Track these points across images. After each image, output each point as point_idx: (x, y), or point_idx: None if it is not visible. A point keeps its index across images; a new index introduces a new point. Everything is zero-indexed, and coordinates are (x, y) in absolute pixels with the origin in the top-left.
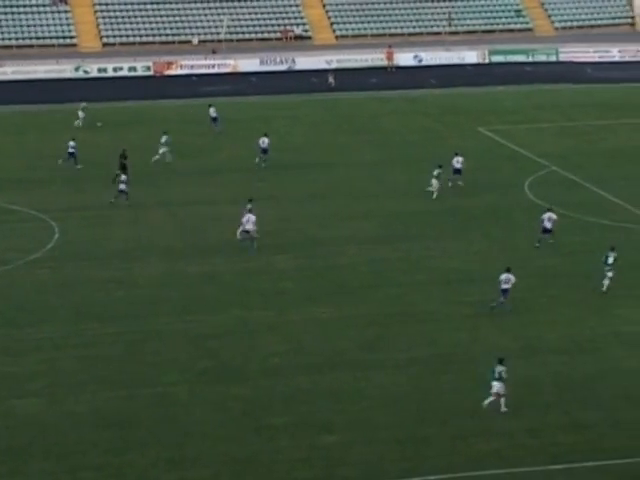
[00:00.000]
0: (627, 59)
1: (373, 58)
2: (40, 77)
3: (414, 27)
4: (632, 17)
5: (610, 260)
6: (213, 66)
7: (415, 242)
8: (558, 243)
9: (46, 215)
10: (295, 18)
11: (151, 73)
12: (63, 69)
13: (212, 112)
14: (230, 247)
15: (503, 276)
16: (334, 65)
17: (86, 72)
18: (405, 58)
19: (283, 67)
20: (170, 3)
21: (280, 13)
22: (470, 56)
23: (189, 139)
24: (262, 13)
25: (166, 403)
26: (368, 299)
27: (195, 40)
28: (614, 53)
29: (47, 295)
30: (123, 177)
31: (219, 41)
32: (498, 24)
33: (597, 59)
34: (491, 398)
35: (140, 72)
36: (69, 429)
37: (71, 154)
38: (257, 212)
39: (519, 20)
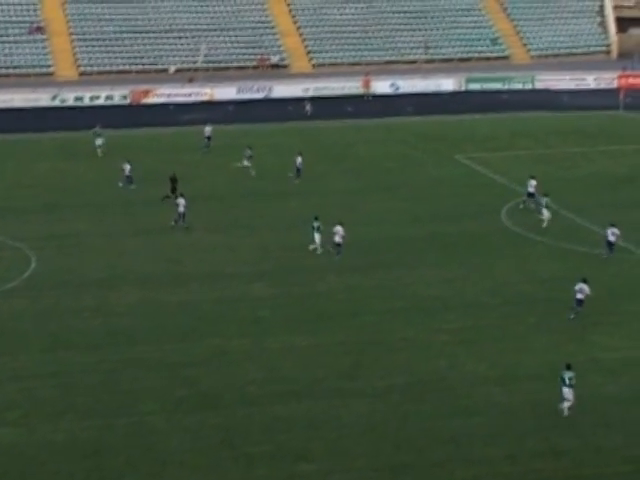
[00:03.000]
0: (602, 86)
1: (350, 86)
2: (17, 106)
3: (391, 55)
4: (607, 45)
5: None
6: (190, 94)
7: (392, 269)
8: (535, 270)
9: (23, 244)
10: (272, 46)
11: (128, 102)
12: (40, 98)
13: (207, 131)
14: (207, 275)
15: (577, 286)
16: (311, 93)
17: (63, 101)
18: (382, 86)
19: (260, 95)
20: (147, 32)
21: (257, 42)
22: (447, 84)
23: (166, 167)
24: (239, 42)
25: (143, 432)
26: (346, 327)
27: (172, 69)
28: (589, 81)
29: (24, 324)
30: (181, 200)
31: (196, 70)
32: (475, 52)
33: (573, 87)
34: (566, 403)
35: (117, 101)
36: (46, 458)
37: (128, 177)
38: (231, 240)
39: (495, 48)
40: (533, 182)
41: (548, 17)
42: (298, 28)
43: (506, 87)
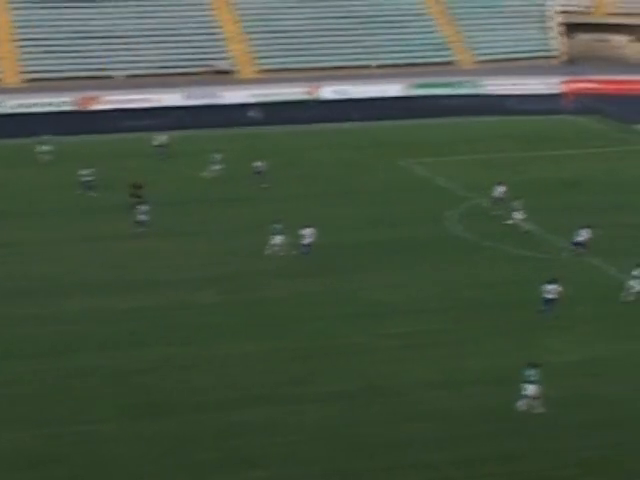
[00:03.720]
0: (548, 91)
1: (297, 92)
2: None
3: (338, 60)
4: (554, 50)
5: None
6: (137, 101)
7: (342, 275)
8: (483, 275)
9: None
10: (219, 52)
11: (74, 108)
12: None
13: (160, 139)
14: (156, 282)
15: (546, 287)
16: (258, 99)
17: (7, 108)
18: (329, 91)
19: (208, 101)
20: (93, 37)
21: (204, 47)
22: (393, 89)
23: (114, 174)
24: (186, 47)
25: (92, 441)
26: (296, 332)
27: (119, 75)
28: (535, 86)
29: None
30: (143, 207)
31: (143, 76)
32: (420, 57)
33: (517, 92)
34: (525, 401)
35: (63, 107)
36: None
37: (86, 183)
38: (182, 246)
39: (441, 53)
40: (500, 188)
41: (494, 22)
42: (245, 34)
43: (452, 92)
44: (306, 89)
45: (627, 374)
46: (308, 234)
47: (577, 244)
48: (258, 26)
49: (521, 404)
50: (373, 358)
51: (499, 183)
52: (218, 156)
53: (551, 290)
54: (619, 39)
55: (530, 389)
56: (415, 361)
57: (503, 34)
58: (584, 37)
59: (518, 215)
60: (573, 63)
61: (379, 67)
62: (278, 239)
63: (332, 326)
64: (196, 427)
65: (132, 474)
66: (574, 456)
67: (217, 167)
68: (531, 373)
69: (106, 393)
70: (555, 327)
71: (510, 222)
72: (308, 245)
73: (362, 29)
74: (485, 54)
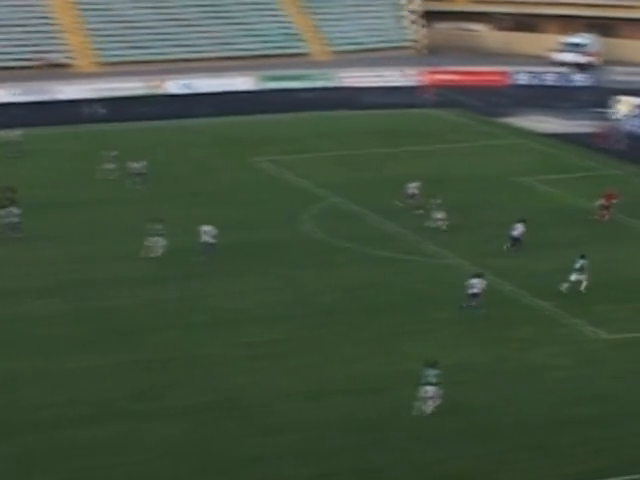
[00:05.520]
0: (408, 83)
1: (141, 86)
2: None
3: (184, 53)
4: (413, 40)
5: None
6: None
7: (191, 281)
8: (342, 277)
9: None
10: (54, 44)
11: None
12: None
13: (12, 135)
14: None
15: (469, 281)
16: (99, 94)
17: None
18: (174, 85)
19: (44, 97)
20: None
21: (37, 39)
22: (243, 82)
23: None
24: (18, 39)
25: None
26: (145, 343)
27: None
28: (394, 77)
29: None
30: (15, 210)
31: None
32: (271, 49)
33: (377, 84)
34: (429, 402)
35: None
36: None
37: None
38: (21, 254)
39: (293, 44)
40: (413, 184)
41: (349, 11)
42: (82, 24)
43: (306, 85)
44: (150, 83)
45: (493, 381)
46: (208, 232)
47: (514, 239)
48: (96, 15)
49: (418, 406)
50: (228, 369)
51: (412, 179)
52: (113, 153)
53: (476, 284)
54: (480, 28)
55: (428, 390)
56: (273, 371)
57: (359, 23)
58: (443, 26)
59: (438, 215)
60: (432, 53)
61: (228, 59)
62: (156, 240)
63: (184, 336)
64: (38, 447)
65: None
66: (439, 468)
67: (111, 166)
68: (429, 374)
69: None
70: (417, 332)
71: (433, 225)
72: (211, 244)
73: (209, 19)
74: (340, 45)
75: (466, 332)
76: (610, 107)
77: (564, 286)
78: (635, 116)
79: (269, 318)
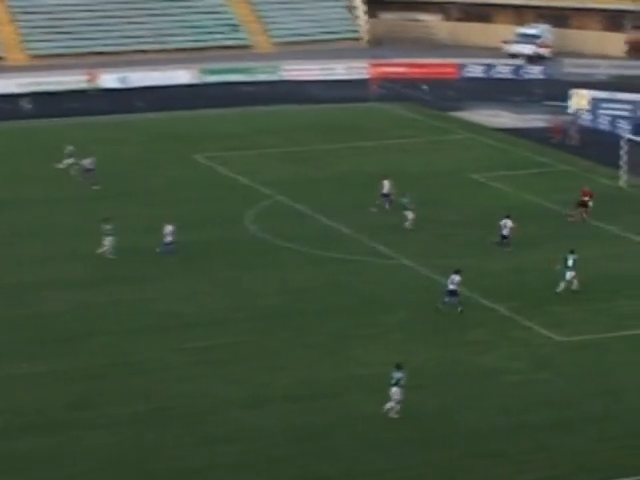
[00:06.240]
0: (354, 77)
1: (74, 80)
2: None
3: (119, 45)
4: (357, 31)
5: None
6: None
7: (129, 284)
8: (286, 280)
9: None
10: None
11: None
12: None
13: None
14: None
15: (450, 278)
16: (29, 89)
17: None
18: (110, 79)
19: None
20: None
21: None
22: (182, 76)
23: None
24: None
25: None
26: (78, 350)
27: None
28: (339, 70)
29: None
30: None
31: None
32: (212, 40)
33: (321, 77)
34: (392, 404)
35: None
36: None
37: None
38: None
39: (235, 36)
40: (387, 182)
41: (292, 1)
42: (11, 14)
43: (248, 79)
44: (85, 77)
45: (446, 386)
46: (169, 231)
47: (503, 236)
48: (26, 6)
49: (388, 408)
50: (166, 376)
51: (384, 177)
52: (71, 148)
53: (453, 280)
54: (428, 18)
55: (394, 392)
56: (214, 378)
57: (303, 14)
58: (389, 16)
59: (409, 214)
60: (378, 45)
61: (166, 51)
62: (108, 240)
63: (120, 342)
64: None
65: None
66: (391, 477)
67: (70, 160)
68: (398, 375)
69: None
70: (366, 336)
71: (407, 225)
72: (170, 243)
73: (145, 9)
74: (283, 36)
75: (417, 335)
76: (564, 101)
77: (561, 286)
78: (590, 110)
79: (210, 322)
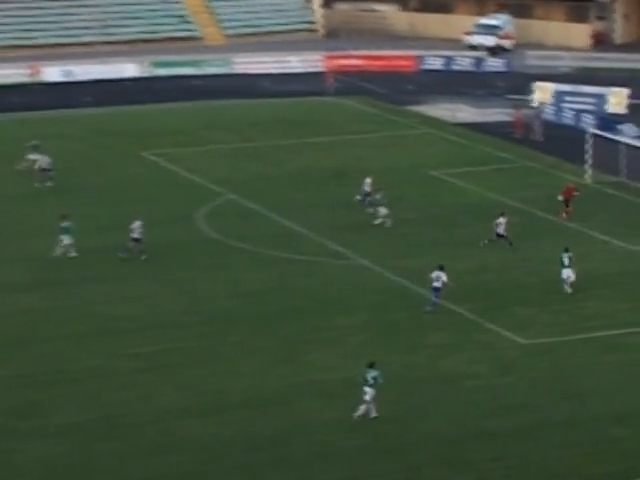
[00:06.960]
0: (308, 69)
1: (14, 73)
2: None
3: (62, 37)
4: (312, 22)
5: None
6: None
7: (71, 287)
8: (238, 281)
9: None
10: None
11: None
12: None
13: None
14: None
15: (434, 274)
16: None
17: None
18: (52, 73)
19: None
20: None
21: None
22: (129, 69)
23: None
24: None
25: None
26: (17, 357)
27: None
28: (294, 63)
29: None
30: None
31: None
32: (159, 32)
33: (275, 70)
34: (364, 406)
35: None
36: None
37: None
38: None
39: (185, 27)
40: (369, 180)
41: None
42: None
43: (198, 72)
44: (27, 71)
45: (405, 391)
46: (137, 229)
47: (499, 235)
48: None
49: (361, 409)
50: (110, 383)
51: (366, 175)
52: (32, 142)
53: (437, 277)
54: (385, 8)
55: (366, 392)
56: (162, 385)
57: (255, 4)
58: (344, 7)
59: (383, 210)
60: (333, 37)
61: (110, 43)
62: (66, 239)
63: (62, 347)
64: None
65: None
66: None
67: (34, 156)
68: (373, 374)
69: None
70: (320, 339)
71: (379, 222)
72: (137, 240)
73: None
74: (235, 27)
75: (374, 339)
76: (527, 94)
77: (565, 286)
78: (553, 104)
79: (158, 326)
